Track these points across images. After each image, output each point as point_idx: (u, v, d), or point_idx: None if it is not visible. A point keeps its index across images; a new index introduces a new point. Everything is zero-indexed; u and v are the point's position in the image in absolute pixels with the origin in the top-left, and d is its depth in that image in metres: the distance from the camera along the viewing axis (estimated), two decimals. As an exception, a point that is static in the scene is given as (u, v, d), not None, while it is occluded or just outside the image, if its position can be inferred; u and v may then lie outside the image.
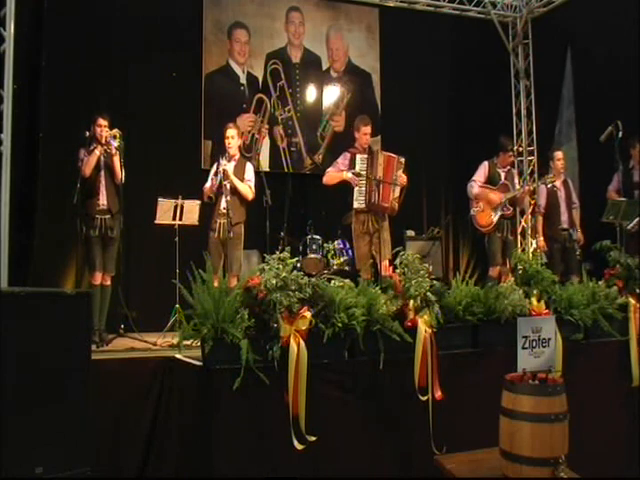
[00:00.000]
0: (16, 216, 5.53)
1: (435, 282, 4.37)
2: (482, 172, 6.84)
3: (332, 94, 8.83)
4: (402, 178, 6.02)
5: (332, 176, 6.13)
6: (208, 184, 6.19)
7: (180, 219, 6.38)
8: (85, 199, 5.65)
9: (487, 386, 3.62)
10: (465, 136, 8.85)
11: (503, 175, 6.85)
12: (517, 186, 6.92)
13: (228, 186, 5.96)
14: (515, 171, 7.09)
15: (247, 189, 6.12)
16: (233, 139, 6.17)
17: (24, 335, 3.04)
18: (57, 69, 6.95)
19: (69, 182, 5.61)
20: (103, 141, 5.66)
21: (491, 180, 6.81)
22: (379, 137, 8.40)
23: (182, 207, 6.39)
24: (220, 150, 6.58)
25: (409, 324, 4.05)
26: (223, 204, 5.92)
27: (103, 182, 5.72)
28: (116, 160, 5.68)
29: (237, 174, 6.09)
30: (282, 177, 8.32)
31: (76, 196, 5.43)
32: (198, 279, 3.69)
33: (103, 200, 5.71)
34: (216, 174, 6.07)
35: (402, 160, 6.02)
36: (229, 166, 6.02)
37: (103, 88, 7.16)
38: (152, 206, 6.36)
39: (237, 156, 6.27)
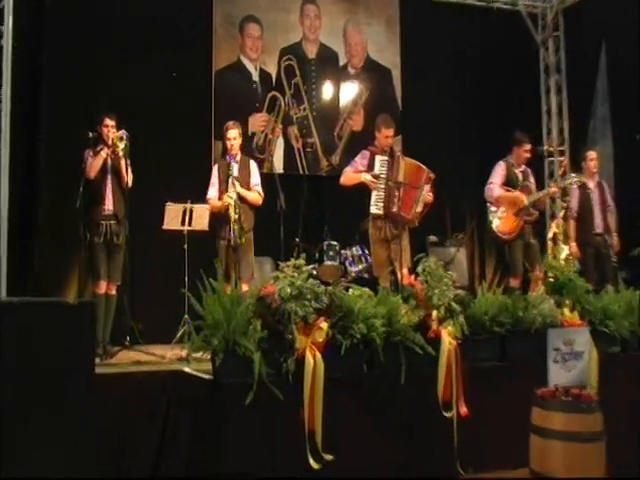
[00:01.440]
0: (16, 217, 5.58)
1: (460, 291, 4.36)
2: (499, 173, 6.61)
3: (350, 91, 8.82)
4: (429, 196, 5.86)
5: (350, 177, 6.02)
6: (213, 194, 6.09)
7: (189, 224, 6.35)
8: (89, 204, 5.64)
9: (516, 402, 3.62)
10: (492, 136, 8.76)
11: (520, 175, 6.65)
12: (533, 186, 6.70)
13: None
14: (530, 170, 6.82)
15: (256, 196, 6.08)
16: (236, 140, 6.05)
17: (23, 348, 3.04)
18: (58, 69, 7.03)
19: (71, 185, 5.64)
20: (110, 142, 5.65)
21: (509, 181, 6.59)
22: (400, 137, 8.36)
23: (191, 212, 6.35)
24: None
25: (432, 335, 4.06)
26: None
27: (109, 186, 5.71)
28: (123, 163, 5.66)
29: (242, 178, 6.01)
30: (297, 179, 8.31)
31: (79, 200, 5.44)
32: (208, 288, 3.71)
33: (109, 205, 5.69)
34: (227, 189, 5.90)
35: (432, 176, 5.81)
36: (234, 169, 5.93)
37: (105, 88, 7.18)
38: (159, 211, 6.37)
39: (239, 156, 6.14)
